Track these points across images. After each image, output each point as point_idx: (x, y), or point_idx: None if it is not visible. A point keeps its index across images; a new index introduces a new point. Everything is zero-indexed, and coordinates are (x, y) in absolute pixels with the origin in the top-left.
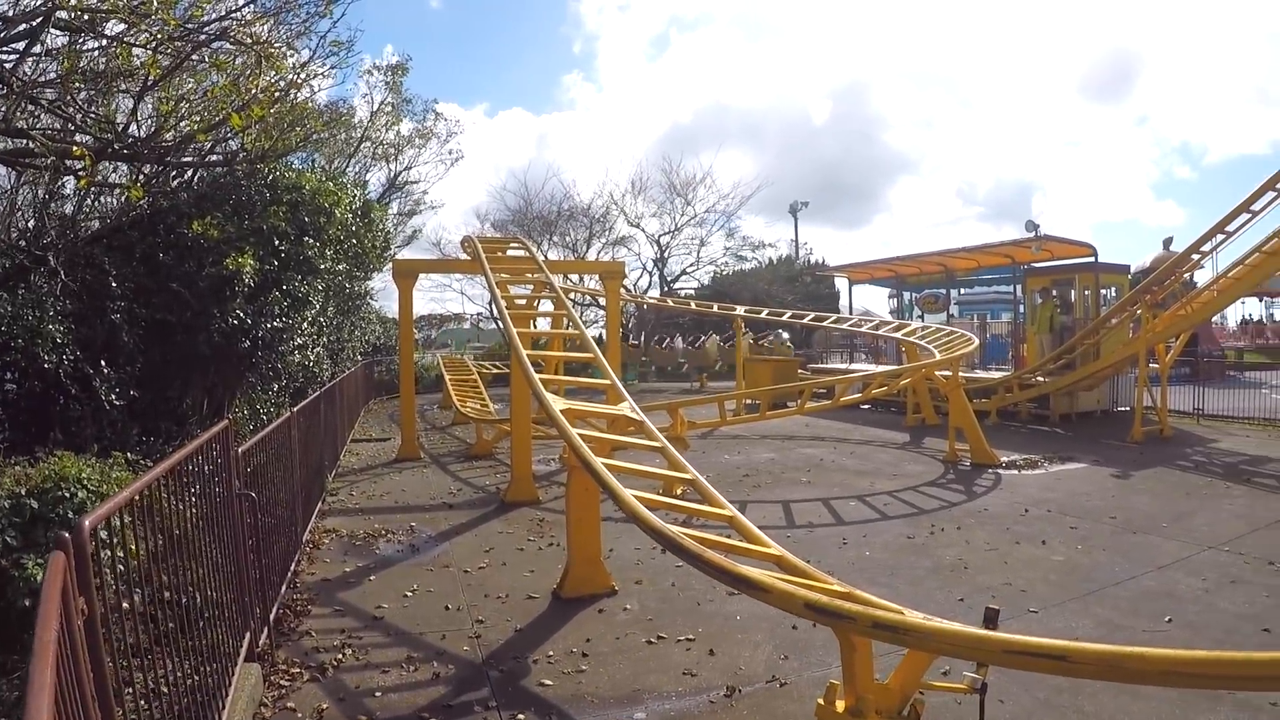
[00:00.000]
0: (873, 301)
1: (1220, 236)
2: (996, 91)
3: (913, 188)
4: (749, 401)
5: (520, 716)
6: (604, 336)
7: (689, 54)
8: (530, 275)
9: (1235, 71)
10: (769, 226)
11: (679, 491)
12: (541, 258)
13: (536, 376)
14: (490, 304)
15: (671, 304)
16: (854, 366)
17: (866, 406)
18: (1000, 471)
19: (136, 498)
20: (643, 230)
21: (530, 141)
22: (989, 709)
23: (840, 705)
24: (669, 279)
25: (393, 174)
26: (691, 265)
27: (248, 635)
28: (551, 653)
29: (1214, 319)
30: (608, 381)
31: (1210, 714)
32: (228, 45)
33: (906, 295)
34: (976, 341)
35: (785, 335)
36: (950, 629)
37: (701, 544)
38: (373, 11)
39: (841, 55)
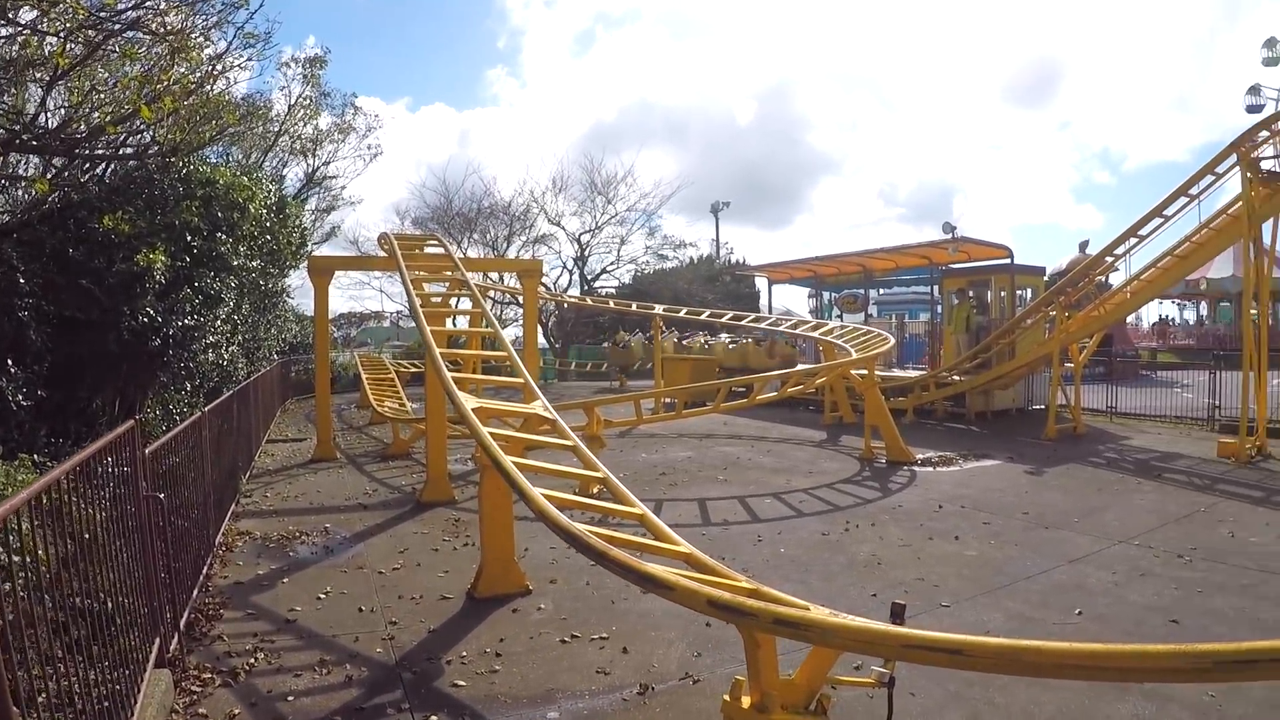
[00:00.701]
0: (793, 301)
1: (1133, 240)
2: (921, 95)
3: (835, 188)
4: (668, 400)
5: (433, 718)
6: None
7: (615, 51)
8: (448, 273)
9: (1157, 80)
10: (691, 226)
11: (595, 490)
12: (460, 255)
13: (449, 375)
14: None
15: (591, 302)
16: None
17: (788, 405)
18: (915, 468)
19: (36, 500)
20: (563, 228)
21: (453, 137)
22: (898, 702)
23: (746, 701)
24: (589, 277)
25: (311, 169)
26: (612, 264)
27: (158, 640)
28: (465, 653)
29: (1129, 320)
30: (521, 380)
31: (1119, 704)
32: (141, 35)
33: (826, 295)
34: (893, 341)
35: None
36: (850, 624)
37: (610, 542)
38: (296, 1)
39: (768, 56)
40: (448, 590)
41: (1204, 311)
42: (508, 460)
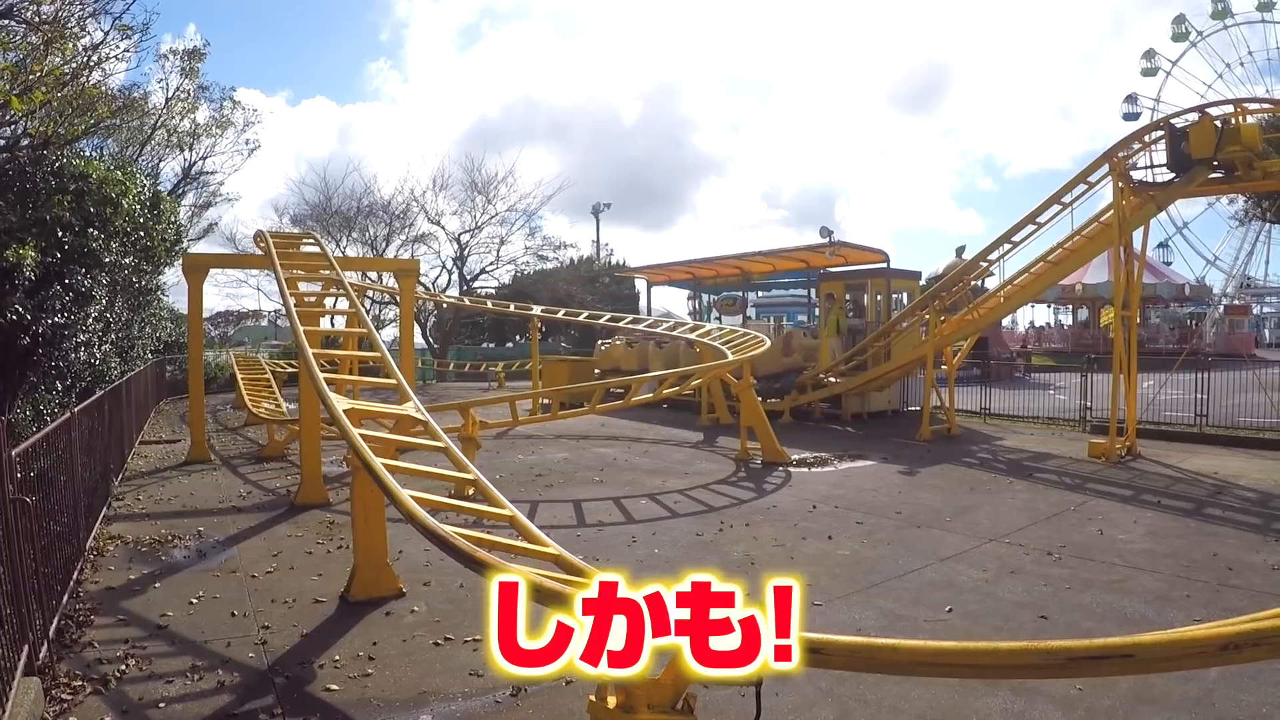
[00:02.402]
0: (673, 302)
1: (1007, 246)
2: (807, 99)
3: (718, 191)
4: (545, 401)
5: None
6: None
7: (500, 47)
8: (325, 272)
9: (1042, 89)
10: (572, 226)
11: (470, 492)
12: (337, 254)
13: (320, 375)
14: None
15: (469, 303)
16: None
17: (665, 406)
18: (791, 469)
19: None
20: (443, 228)
21: (333, 132)
22: (769, 700)
23: (612, 701)
24: (469, 277)
25: (188, 164)
26: (491, 264)
27: (26, 648)
28: (338, 657)
29: (1005, 323)
30: (395, 381)
31: (989, 698)
32: (14, 24)
33: (705, 297)
34: (768, 343)
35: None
36: None
37: (479, 544)
38: None
39: (654, 57)
40: (321, 593)
41: (1083, 316)
42: (377, 462)
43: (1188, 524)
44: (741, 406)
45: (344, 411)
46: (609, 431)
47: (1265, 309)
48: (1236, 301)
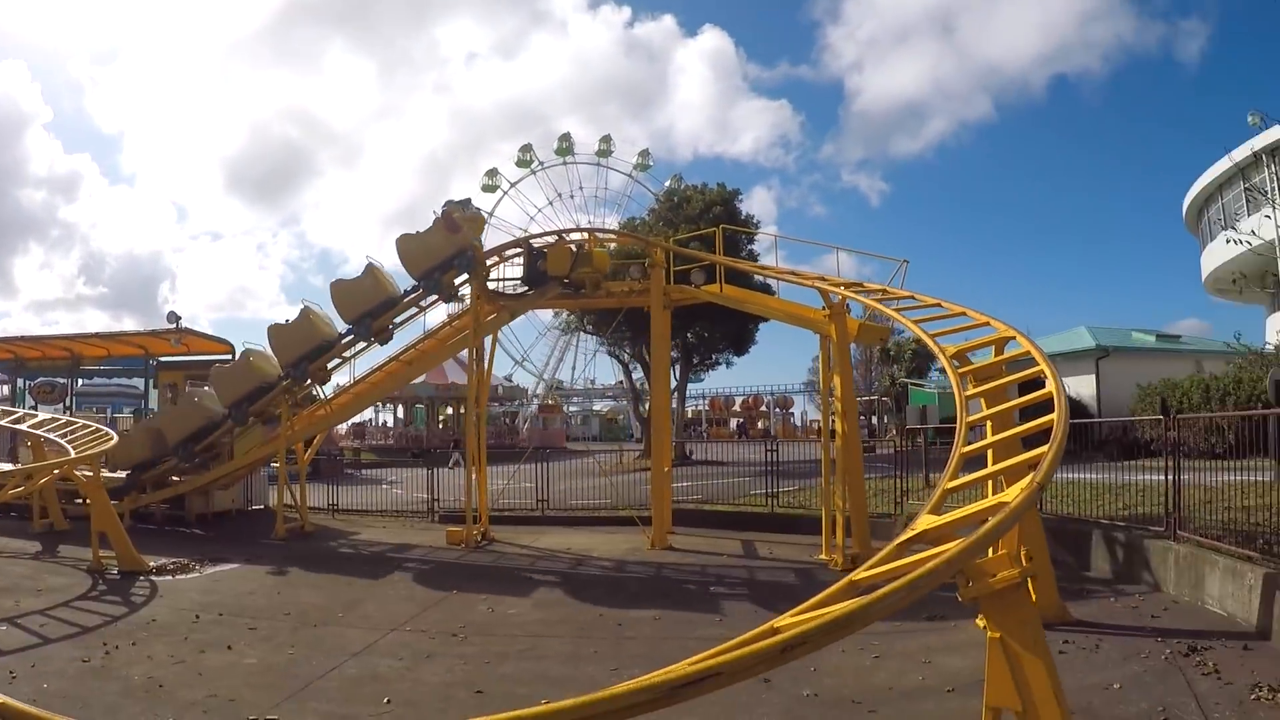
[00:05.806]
0: None
1: (361, 344)
2: (148, 166)
3: (36, 259)
4: None
5: None
6: None
7: None
8: None
9: (391, 191)
10: None
11: None
12: None
13: None
14: None
15: None
16: None
17: None
18: (154, 578)
19: None
20: None
21: None
22: None
23: None
24: None
25: None
26: None
27: None
28: None
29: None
30: None
31: None
32: None
33: (20, 382)
34: (116, 438)
35: None
36: None
37: None
38: None
39: None
40: None
41: (400, 414)
42: None
43: (565, 594)
44: (93, 509)
45: None
46: None
47: (571, 408)
48: (549, 402)
